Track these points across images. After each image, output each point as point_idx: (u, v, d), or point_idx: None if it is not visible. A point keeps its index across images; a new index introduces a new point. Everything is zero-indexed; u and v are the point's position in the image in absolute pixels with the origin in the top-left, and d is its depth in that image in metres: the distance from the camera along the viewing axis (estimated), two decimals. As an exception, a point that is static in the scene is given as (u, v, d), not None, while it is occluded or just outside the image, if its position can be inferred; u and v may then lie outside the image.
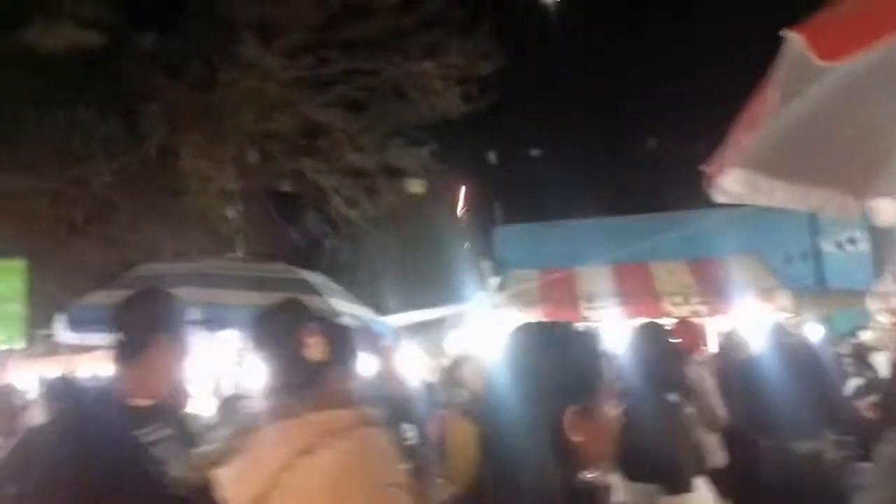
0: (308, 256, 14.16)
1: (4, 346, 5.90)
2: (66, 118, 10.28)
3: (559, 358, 1.62)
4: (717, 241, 13.39)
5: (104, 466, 2.54)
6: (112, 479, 2.52)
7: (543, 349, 1.65)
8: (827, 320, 10.99)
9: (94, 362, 9.25)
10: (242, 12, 10.27)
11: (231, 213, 12.01)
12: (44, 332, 7.31)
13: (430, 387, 6.07)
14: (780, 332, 7.08)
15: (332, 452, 1.96)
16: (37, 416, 5.74)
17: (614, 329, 10.54)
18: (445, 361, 8.48)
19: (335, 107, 11.66)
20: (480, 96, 11.41)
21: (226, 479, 2.07)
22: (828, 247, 16.96)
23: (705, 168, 3.60)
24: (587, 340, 1.70)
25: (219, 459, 2.13)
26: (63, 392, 5.67)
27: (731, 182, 3.43)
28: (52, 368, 8.77)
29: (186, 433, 2.94)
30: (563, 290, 11.78)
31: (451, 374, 7.19)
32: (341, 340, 2.32)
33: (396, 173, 13.15)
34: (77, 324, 6.89)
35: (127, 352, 2.78)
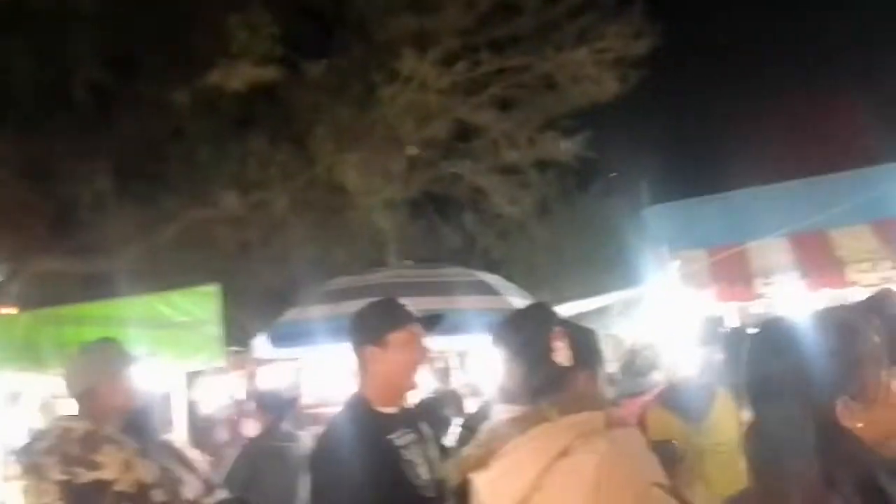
0: (464, 257, 14.54)
1: (206, 366, 6.46)
2: (240, 149, 11.11)
3: (825, 354, 1.63)
4: (898, 199, 12.38)
5: (365, 469, 2.78)
6: (372, 482, 2.77)
7: (803, 346, 1.66)
8: None
9: (294, 373, 10.01)
10: (397, 28, 10.66)
11: (393, 221, 12.54)
12: (232, 349, 7.96)
13: (609, 377, 6.11)
14: None
15: (591, 455, 1.98)
16: (250, 428, 6.29)
17: (796, 305, 10.03)
18: (625, 349, 8.42)
19: (488, 107, 11.86)
20: (635, 76, 11.24)
21: (484, 483, 2.11)
22: None
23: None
24: (847, 331, 1.70)
25: (476, 463, 2.16)
26: (275, 403, 6.18)
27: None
28: (257, 382, 9.52)
29: (430, 437, 3.15)
30: (734, 268, 11.31)
31: (633, 362, 7.17)
32: (587, 344, 2.36)
33: (549, 165, 13.19)
34: (280, 339, 7.51)
35: (363, 358, 3.03)
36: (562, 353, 2.23)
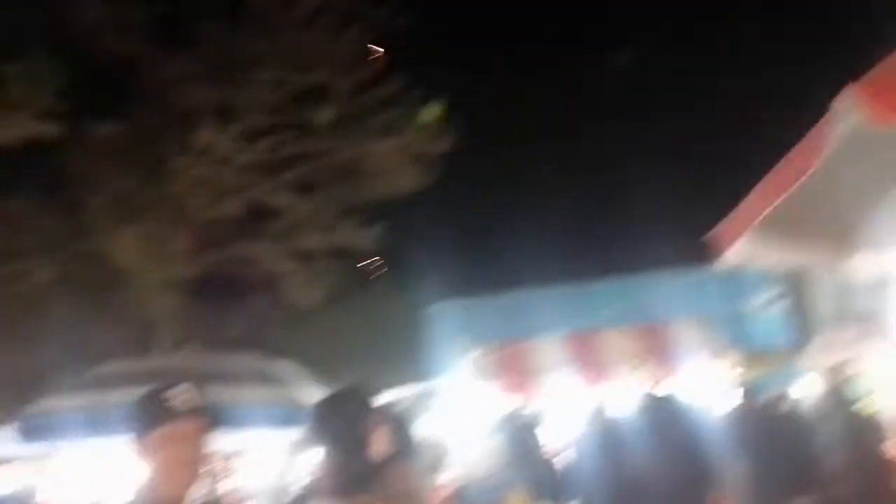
0: (250, 344, 13.79)
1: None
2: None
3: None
4: (661, 305, 13.81)
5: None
6: None
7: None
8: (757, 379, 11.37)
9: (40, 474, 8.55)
10: (198, 98, 10.20)
11: (172, 303, 11.63)
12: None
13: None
14: (751, 396, 7.25)
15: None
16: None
17: (570, 401, 10.60)
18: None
19: (288, 190, 11.60)
20: (434, 172, 11.62)
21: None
22: (750, 307, 17.64)
23: (713, 235, 3.71)
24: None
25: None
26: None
27: (741, 249, 3.56)
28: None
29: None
30: (518, 364, 11.79)
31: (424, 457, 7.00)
32: (405, 433, 2.23)
33: (346, 254, 13.07)
34: (28, 433, 6.39)
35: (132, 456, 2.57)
36: (380, 443, 2.09)
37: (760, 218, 3.09)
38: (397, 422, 2.23)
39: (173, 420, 2.44)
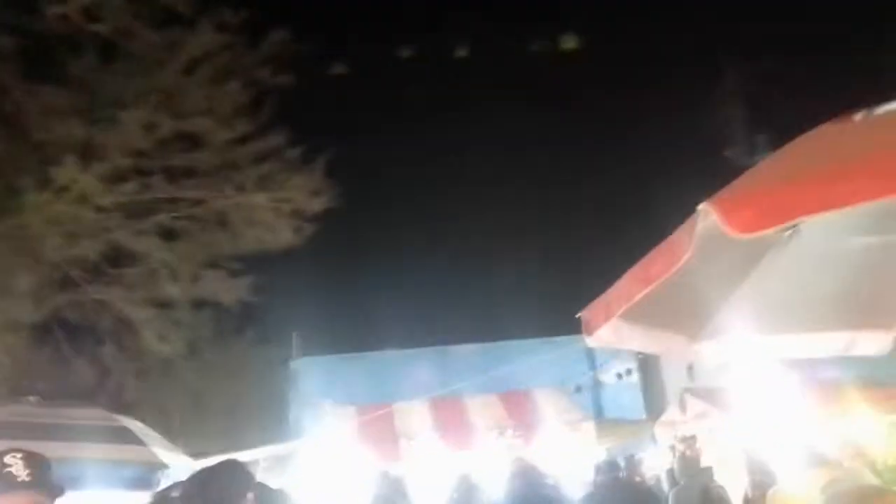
0: (94, 394, 12.92)
1: None
2: None
3: None
4: (523, 372, 14.22)
5: None
6: None
7: None
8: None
9: None
10: (62, 131, 9.64)
11: (13, 345, 10.72)
12: None
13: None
14: (611, 467, 7.54)
15: None
16: None
17: (434, 465, 10.59)
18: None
19: (152, 235, 11.08)
20: (307, 229, 11.49)
21: None
22: (606, 378, 18.53)
23: (583, 315, 3.89)
24: None
25: None
26: None
27: (608, 331, 3.74)
28: None
29: None
30: (381, 428, 11.68)
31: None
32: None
33: (207, 305, 12.57)
34: None
35: None
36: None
37: (627, 305, 3.27)
38: (275, 499, 2.21)
39: (13, 491, 2.23)
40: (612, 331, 3.69)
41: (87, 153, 9.73)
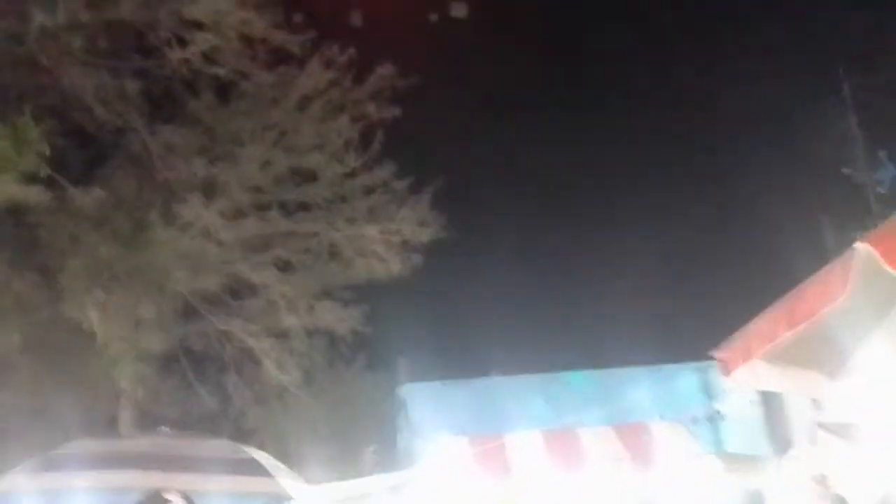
0: (217, 421, 13.37)
1: None
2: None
3: None
4: (637, 403, 13.72)
5: None
6: None
7: None
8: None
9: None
10: (185, 170, 10.15)
11: (141, 374, 11.25)
12: None
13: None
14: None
15: None
16: None
17: (549, 499, 10.31)
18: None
19: (270, 268, 11.47)
20: (417, 259, 11.63)
21: None
22: (725, 409, 17.60)
23: (720, 355, 3.65)
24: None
25: None
26: None
27: (747, 371, 3.50)
28: None
29: None
30: (493, 459, 11.51)
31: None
32: None
33: (321, 334, 12.86)
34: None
35: None
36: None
37: (770, 345, 3.04)
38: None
39: None
40: (750, 371, 3.48)
41: (209, 190, 10.19)
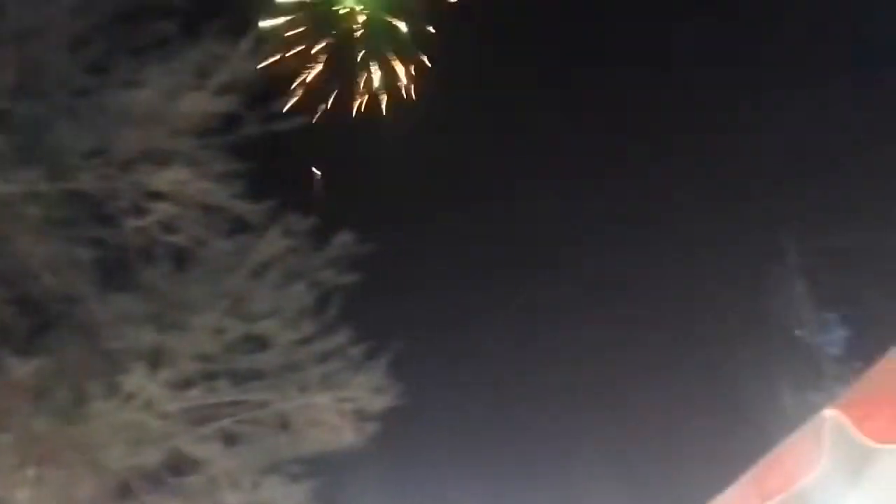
0: None
1: None
2: None
3: None
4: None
5: None
6: None
7: None
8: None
9: None
10: (132, 339, 9.85)
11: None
12: None
13: None
14: None
15: None
16: None
17: None
18: None
19: (214, 440, 10.90)
20: (372, 428, 11.22)
21: None
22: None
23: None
24: None
25: None
26: None
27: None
28: None
29: None
30: None
31: None
32: None
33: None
34: None
35: None
36: None
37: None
38: None
39: None
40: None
41: (156, 359, 9.86)
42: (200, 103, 10.44)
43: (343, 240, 11.58)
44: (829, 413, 2.17)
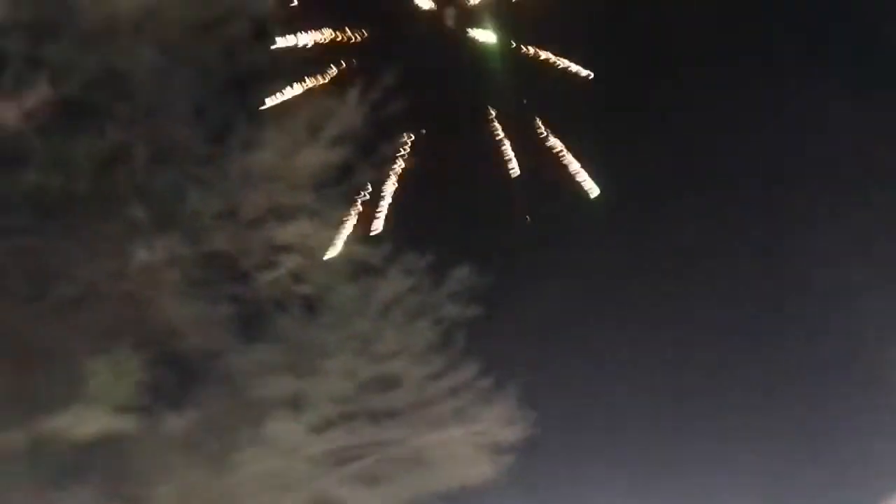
0: None
1: None
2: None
3: None
4: None
5: None
6: None
7: None
8: None
9: None
10: (272, 388, 10.26)
11: None
12: None
13: None
14: None
15: None
16: None
17: None
18: None
19: (353, 481, 11.11)
20: (506, 460, 11.13)
21: None
22: None
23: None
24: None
25: None
26: None
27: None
28: None
29: None
30: None
31: None
32: None
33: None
34: None
35: None
36: None
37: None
38: None
39: None
40: None
41: (296, 405, 10.19)
42: (315, 157, 10.86)
43: (462, 273, 11.65)
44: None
